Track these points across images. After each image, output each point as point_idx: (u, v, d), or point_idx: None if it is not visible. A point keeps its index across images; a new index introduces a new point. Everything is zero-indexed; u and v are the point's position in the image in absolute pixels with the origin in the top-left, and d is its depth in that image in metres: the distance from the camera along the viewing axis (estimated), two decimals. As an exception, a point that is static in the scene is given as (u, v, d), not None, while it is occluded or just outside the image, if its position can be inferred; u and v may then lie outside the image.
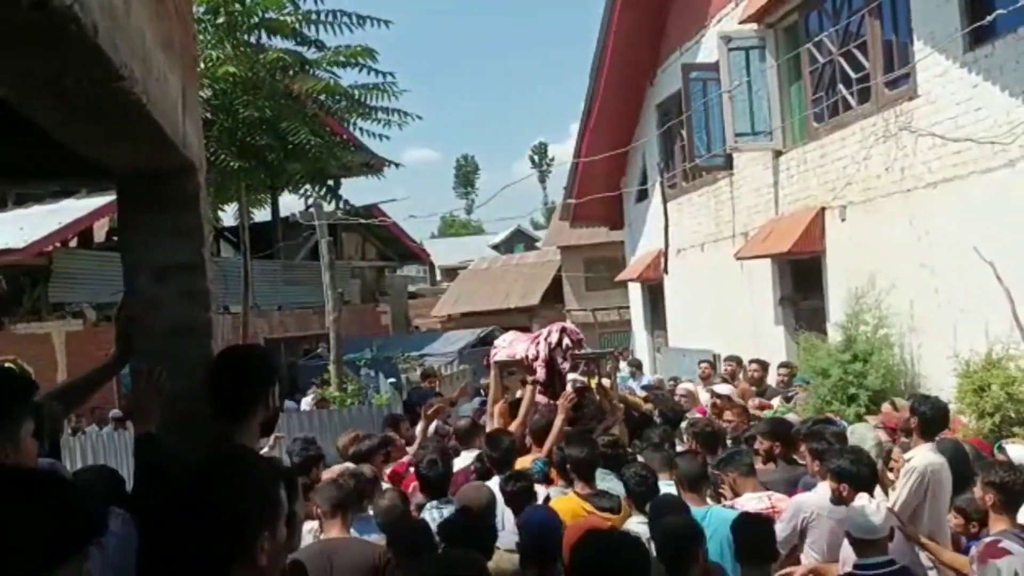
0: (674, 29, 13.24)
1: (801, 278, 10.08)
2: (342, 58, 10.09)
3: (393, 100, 10.42)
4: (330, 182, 11.37)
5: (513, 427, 5.63)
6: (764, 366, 8.98)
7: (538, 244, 39.84)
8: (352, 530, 4.06)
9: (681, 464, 4.33)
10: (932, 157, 7.46)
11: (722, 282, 11.65)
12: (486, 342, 21.69)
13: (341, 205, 11.51)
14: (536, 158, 78.38)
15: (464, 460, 5.53)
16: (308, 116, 10.46)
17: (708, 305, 12.22)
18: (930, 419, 4.68)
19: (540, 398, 6.06)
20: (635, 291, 16.42)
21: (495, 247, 46.86)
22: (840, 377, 7.26)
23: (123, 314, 2.85)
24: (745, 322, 10.88)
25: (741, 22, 10.43)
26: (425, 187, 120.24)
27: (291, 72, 10.21)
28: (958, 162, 7.14)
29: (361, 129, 10.65)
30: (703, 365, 10.20)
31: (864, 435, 5.02)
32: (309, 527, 4.12)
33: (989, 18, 6.47)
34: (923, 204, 7.59)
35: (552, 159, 75.16)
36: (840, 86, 9.02)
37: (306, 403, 12.28)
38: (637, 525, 3.89)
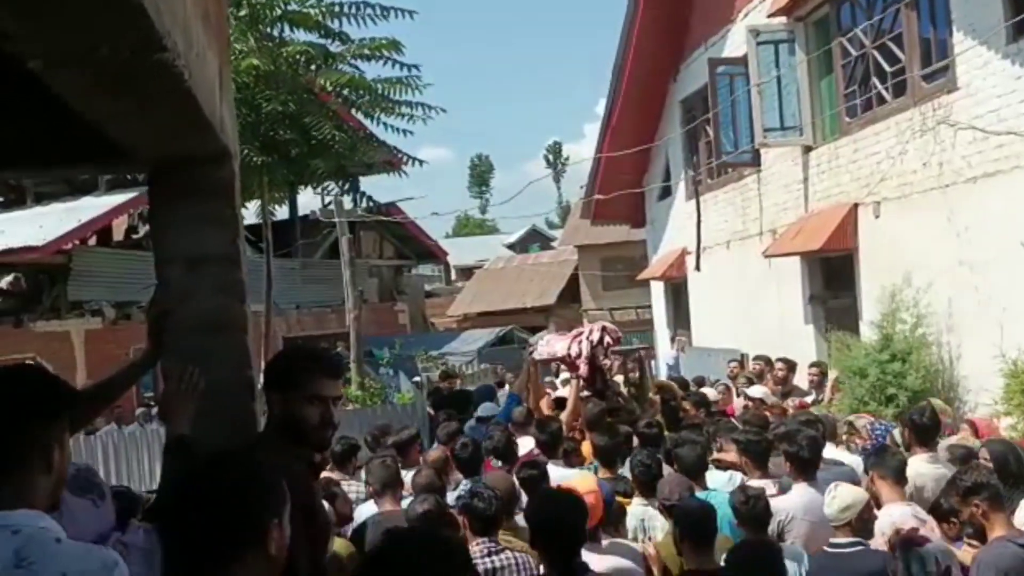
0: (698, 24, 13.04)
1: (831, 276, 9.88)
2: (367, 51, 9.95)
3: (416, 94, 10.28)
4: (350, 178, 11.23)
5: (564, 416, 6.38)
6: (790, 366, 8.79)
7: (554, 244, 39.72)
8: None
9: (681, 453, 4.68)
10: (972, 151, 7.25)
11: (749, 280, 11.46)
12: (505, 341, 21.61)
13: (364, 202, 11.35)
14: (551, 157, 78.07)
15: (523, 445, 6.01)
16: (331, 111, 10.31)
17: (734, 304, 12.02)
18: (921, 426, 4.72)
19: None
20: (657, 290, 16.22)
21: (510, 246, 46.74)
22: (878, 377, 7.07)
23: (154, 309, 2.71)
24: (773, 321, 10.68)
25: (770, 15, 10.23)
26: (438, 186, 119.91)
27: (314, 66, 10.08)
28: (1000, 156, 6.94)
29: (385, 124, 10.47)
30: (732, 364, 10.03)
31: None
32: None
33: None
34: (962, 199, 7.38)
35: (567, 158, 74.96)
36: (874, 80, 8.80)
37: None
38: (639, 506, 4.44)
